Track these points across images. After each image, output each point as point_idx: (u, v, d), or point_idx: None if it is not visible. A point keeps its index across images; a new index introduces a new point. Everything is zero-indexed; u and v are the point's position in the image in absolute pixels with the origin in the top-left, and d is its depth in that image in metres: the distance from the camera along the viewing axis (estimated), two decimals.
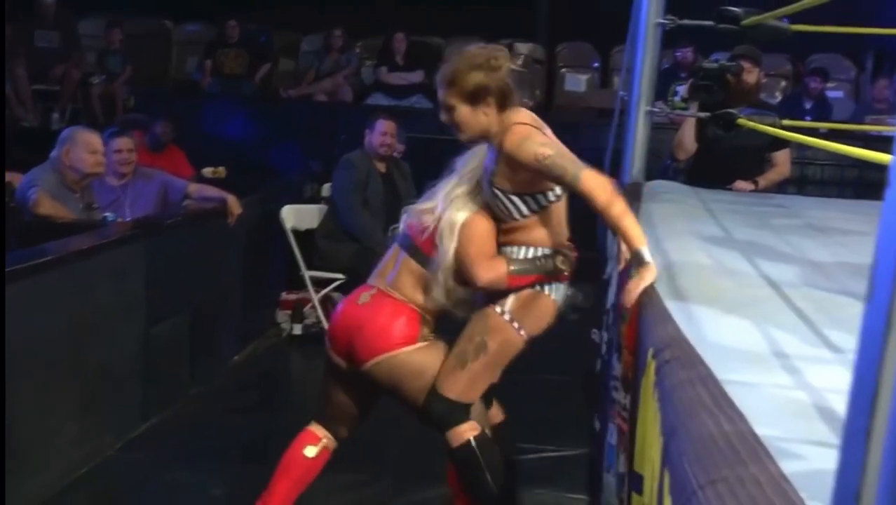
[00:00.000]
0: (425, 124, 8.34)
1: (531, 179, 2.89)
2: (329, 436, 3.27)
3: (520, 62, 9.88)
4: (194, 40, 10.10)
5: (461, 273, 2.99)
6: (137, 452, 4.12)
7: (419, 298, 3.06)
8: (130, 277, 4.28)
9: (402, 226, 3.19)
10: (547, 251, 3.03)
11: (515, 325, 3.01)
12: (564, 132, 9.87)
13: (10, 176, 4.57)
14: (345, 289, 6.09)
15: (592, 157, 7.86)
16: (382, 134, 5.92)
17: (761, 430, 1.41)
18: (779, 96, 9.35)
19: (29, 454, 3.48)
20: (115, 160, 5.14)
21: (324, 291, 6.03)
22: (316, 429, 3.27)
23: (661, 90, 6.74)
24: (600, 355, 4.08)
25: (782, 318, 2.26)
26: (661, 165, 5.87)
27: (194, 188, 5.40)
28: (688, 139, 5.21)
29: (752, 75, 5.11)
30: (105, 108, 8.85)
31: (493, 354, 3.02)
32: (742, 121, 4.02)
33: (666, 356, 1.91)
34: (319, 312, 6.00)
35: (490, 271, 2.96)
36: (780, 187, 5.74)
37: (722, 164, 5.08)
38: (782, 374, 1.84)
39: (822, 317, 2.25)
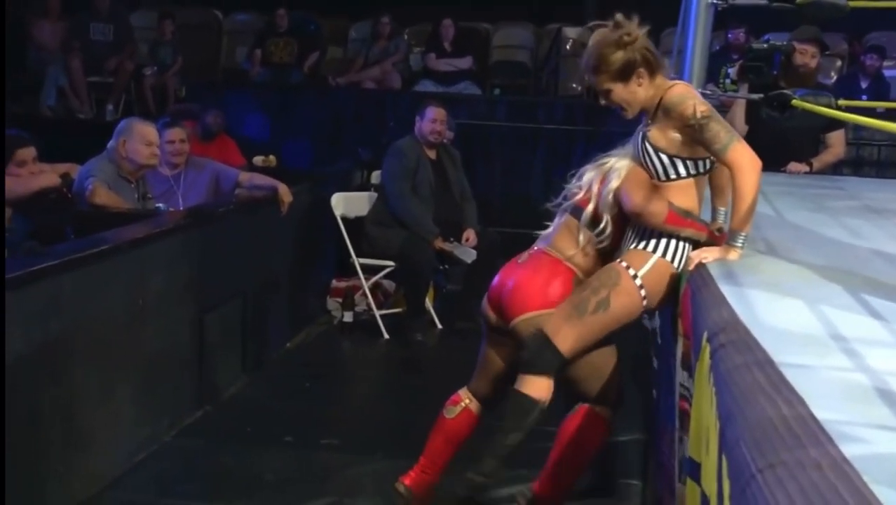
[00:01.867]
0: (474, 110, 8.33)
1: (683, 142, 2.90)
2: (471, 397, 3.35)
3: (568, 47, 9.82)
4: (244, 30, 10.16)
5: (618, 206, 3.02)
6: (193, 438, 4.16)
7: (576, 255, 3.12)
8: (183, 265, 4.33)
9: (562, 196, 3.25)
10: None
11: (643, 292, 2.95)
12: (612, 117, 9.80)
13: (67, 166, 4.63)
14: (395, 276, 6.12)
15: None
16: (432, 121, 5.92)
17: (821, 413, 1.39)
18: (834, 76, 9.18)
19: (89, 438, 3.54)
20: (168, 150, 5.19)
21: (374, 279, 6.05)
22: (462, 391, 3.37)
23: (713, 72, 6.65)
24: (654, 342, 4.04)
25: (840, 300, 2.22)
26: None
27: (245, 177, 5.44)
28: (738, 121, 5.13)
29: (813, 60, 5.01)
30: (157, 99, 8.95)
31: (612, 313, 2.96)
32: (797, 102, 3.95)
33: (721, 340, 1.89)
34: (370, 298, 6.02)
35: (652, 201, 2.94)
36: (836, 169, 5.65)
37: (775, 145, 5.00)
38: (841, 356, 1.81)
39: (881, 299, 2.21)
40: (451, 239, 5.87)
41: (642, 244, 2.97)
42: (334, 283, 6.35)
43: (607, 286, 2.95)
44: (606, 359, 3.18)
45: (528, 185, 7.89)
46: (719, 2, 4.41)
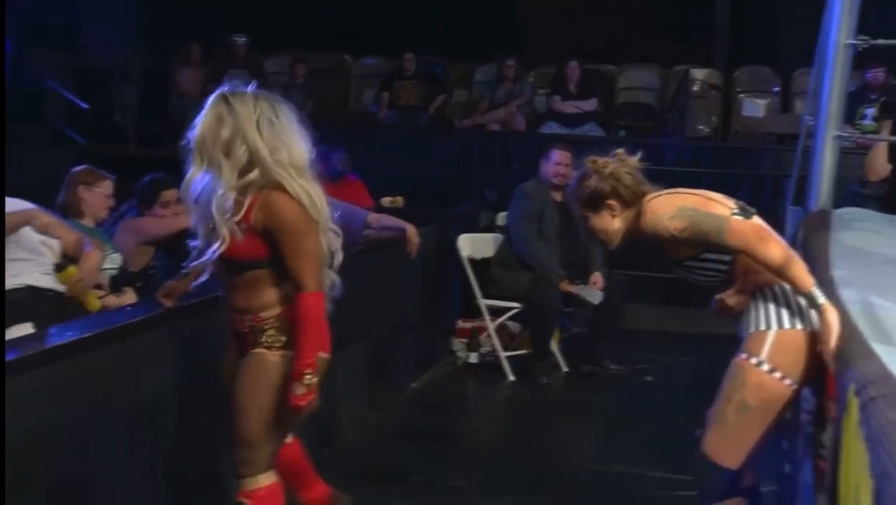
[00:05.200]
0: (599, 153, 8.28)
1: (692, 244, 2.80)
2: None
3: (696, 88, 9.72)
4: (372, 73, 10.40)
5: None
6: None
7: None
8: None
9: None
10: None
11: (777, 374, 2.70)
12: (741, 159, 9.59)
13: None
14: (520, 318, 6.10)
15: (772, 183, 7.69)
16: (556, 164, 5.92)
17: None
18: None
19: (215, 481, 3.61)
20: None
21: (500, 320, 6.05)
22: None
23: (848, 113, 6.47)
24: None
25: None
26: (846, 192, 5.63)
27: (374, 217, 5.52)
28: (880, 162, 4.95)
29: None
30: None
31: (756, 411, 2.74)
32: None
33: (871, 393, 1.82)
34: (495, 340, 6.02)
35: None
36: None
37: None
38: None
39: None
40: (578, 281, 5.83)
41: (752, 326, 2.77)
42: (460, 323, 6.38)
43: (736, 387, 2.75)
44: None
45: None
46: (859, 41, 4.30)
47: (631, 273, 6.32)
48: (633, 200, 2.89)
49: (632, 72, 10.10)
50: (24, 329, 3.35)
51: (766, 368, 2.70)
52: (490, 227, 6.95)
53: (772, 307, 2.75)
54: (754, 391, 2.71)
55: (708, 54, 10.27)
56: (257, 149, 2.70)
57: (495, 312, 6.02)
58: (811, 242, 3.77)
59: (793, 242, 4.67)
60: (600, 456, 4.55)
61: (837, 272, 3.08)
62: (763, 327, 2.73)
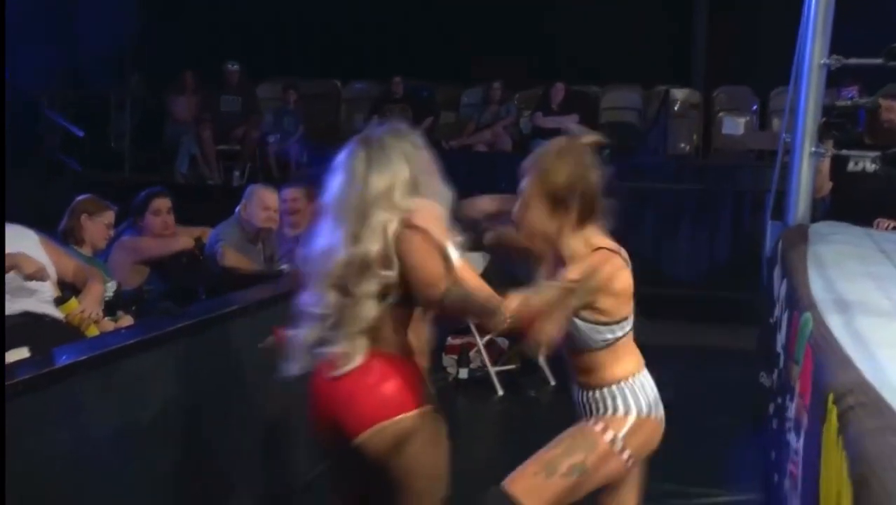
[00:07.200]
0: None
1: None
2: None
3: (676, 108, 9.88)
4: (362, 97, 10.54)
5: None
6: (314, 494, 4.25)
7: None
8: None
9: None
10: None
11: (625, 455, 2.70)
12: (722, 176, 9.70)
13: (199, 231, 4.89)
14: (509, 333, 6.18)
15: (752, 199, 7.80)
16: None
17: None
18: None
19: (220, 487, 3.68)
20: (283, 210, 5.36)
21: (489, 336, 6.13)
22: None
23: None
24: (772, 399, 4.02)
25: None
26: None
27: None
28: (823, 178, 5.06)
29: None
30: (280, 166, 9.32)
31: (587, 478, 2.68)
32: None
33: (849, 402, 1.86)
34: (484, 355, 6.10)
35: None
36: None
37: (861, 202, 4.93)
38: None
39: None
40: None
41: (619, 410, 2.70)
42: (449, 340, 6.44)
43: (582, 448, 2.67)
44: None
45: (639, 245, 7.89)
46: (832, 61, 4.43)
47: None
48: (585, 221, 2.72)
49: (615, 92, 10.26)
50: (21, 354, 3.38)
51: (618, 446, 2.69)
52: (478, 246, 7.03)
53: (635, 395, 2.72)
54: (600, 460, 2.67)
55: (688, 74, 10.44)
56: None
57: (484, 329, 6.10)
58: (790, 256, 3.88)
59: (773, 256, 4.79)
60: None
61: (816, 284, 3.18)
62: (622, 413, 2.70)
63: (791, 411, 2.94)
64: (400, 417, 2.57)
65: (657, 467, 3.90)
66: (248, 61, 9.98)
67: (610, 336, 2.67)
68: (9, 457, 2.47)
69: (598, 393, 2.71)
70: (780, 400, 3.56)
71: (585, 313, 2.63)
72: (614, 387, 2.70)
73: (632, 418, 2.69)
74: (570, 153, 2.71)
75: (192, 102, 9.74)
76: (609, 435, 2.68)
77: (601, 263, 2.64)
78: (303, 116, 9.70)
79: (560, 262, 2.71)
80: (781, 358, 3.61)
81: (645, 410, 2.70)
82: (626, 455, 2.69)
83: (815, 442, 2.18)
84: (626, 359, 2.73)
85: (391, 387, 2.57)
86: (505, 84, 9.82)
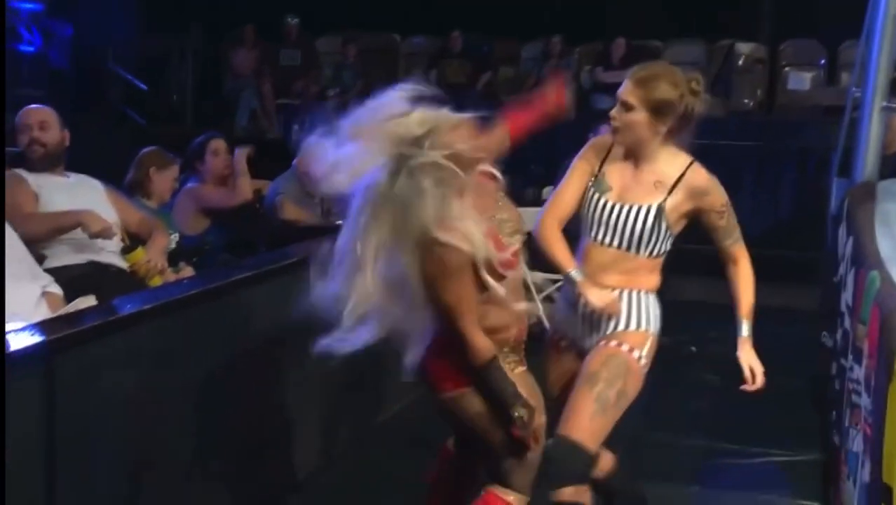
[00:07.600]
0: None
1: (687, 224, 2.95)
2: None
3: (741, 62, 9.68)
4: (420, 52, 10.50)
5: None
6: (372, 447, 4.30)
7: None
8: None
9: None
10: None
11: (646, 370, 2.87)
12: (786, 132, 9.52)
13: (259, 183, 4.93)
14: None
15: (817, 156, 7.64)
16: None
17: None
18: None
19: (279, 443, 3.73)
20: None
21: (546, 292, 6.11)
22: None
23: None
24: (834, 359, 3.96)
25: None
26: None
27: None
28: (893, 133, 4.92)
29: None
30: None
31: (627, 401, 2.82)
32: None
33: None
34: (541, 312, 6.08)
35: None
36: None
37: None
38: None
39: None
40: None
41: (633, 324, 2.86)
42: None
43: (620, 376, 2.78)
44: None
45: None
46: None
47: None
48: (678, 133, 2.87)
49: (677, 47, 10.07)
50: (88, 301, 3.46)
51: (643, 363, 2.85)
52: (537, 202, 6.99)
53: (649, 311, 2.89)
54: (636, 382, 2.82)
55: (753, 28, 10.21)
56: None
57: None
58: (857, 213, 3.80)
59: (838, 214, 4.69)
60: (640, 425, 4.60)
61: (883, 242, 3.12)
62: (644, 327, 2.87)
63: (858, 372, 2.90)
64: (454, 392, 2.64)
65: (719, 428, 3.89)
66: (308, 15, 9.98)
67: (670, 248, 2.90)
68: (77, 399, 2.55)
69: (634, 295, 2.87)
70: (843, 360, 3.51)
71: (679, 223, 2.87)
72: (651, 294, 2.90)
73: (650, 336, 2.87)
74: (679, 76, 2.85)
75: (251, 56, 9.78)
76: (636, 354, 2.83)
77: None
78: (361, 71, 9.69)
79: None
80: (846, 317, 3.55)
81: (654, 327, 2.89)
82: (646, 370, 2.87)
83: (881, 401, 2.15)
84: (658, 273, 2.92)
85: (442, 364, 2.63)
86: (565, 39, 9.69)
